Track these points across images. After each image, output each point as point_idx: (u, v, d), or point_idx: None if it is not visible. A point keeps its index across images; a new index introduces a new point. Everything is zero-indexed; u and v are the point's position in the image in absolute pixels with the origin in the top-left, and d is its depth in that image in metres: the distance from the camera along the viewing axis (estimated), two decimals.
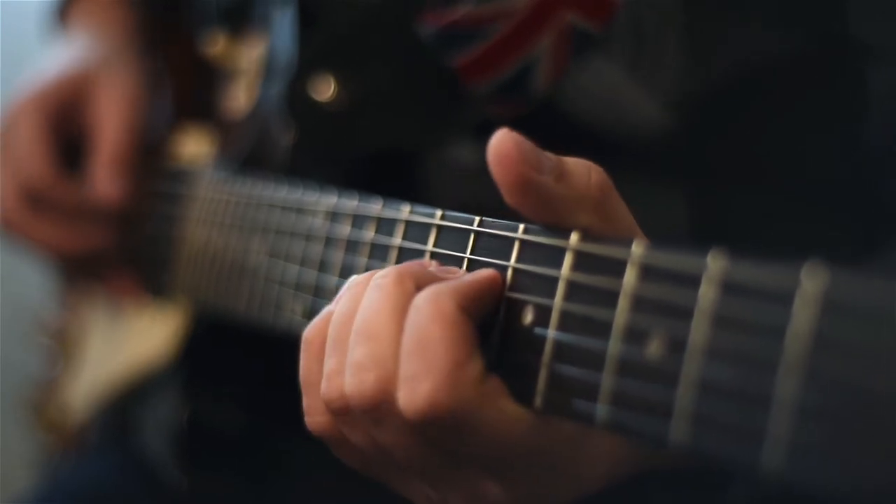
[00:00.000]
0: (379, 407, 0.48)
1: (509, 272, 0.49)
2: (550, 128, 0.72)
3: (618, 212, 0.49)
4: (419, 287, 0.49)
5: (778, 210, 0.69)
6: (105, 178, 0.93)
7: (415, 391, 0.46)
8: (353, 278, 0.54)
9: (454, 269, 0.52)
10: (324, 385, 0.51)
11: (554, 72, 0.70)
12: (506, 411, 0.47)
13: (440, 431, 0.47)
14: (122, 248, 0.97)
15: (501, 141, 0.47)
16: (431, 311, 0.47)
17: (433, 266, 0.52)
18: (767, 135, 0.71)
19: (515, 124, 0.71)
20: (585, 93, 0.71)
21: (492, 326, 0.49)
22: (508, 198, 0.47)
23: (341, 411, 0.51)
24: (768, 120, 0.71)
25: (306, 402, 0.54)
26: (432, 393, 0.46)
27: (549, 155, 0.48)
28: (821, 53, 0.68)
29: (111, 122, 0.94)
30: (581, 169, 0.48)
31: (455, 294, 0.47)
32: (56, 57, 1.01)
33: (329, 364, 0.52)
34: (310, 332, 0.54)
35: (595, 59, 0.70)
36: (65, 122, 0.96)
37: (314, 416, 0.53)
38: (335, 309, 0.52)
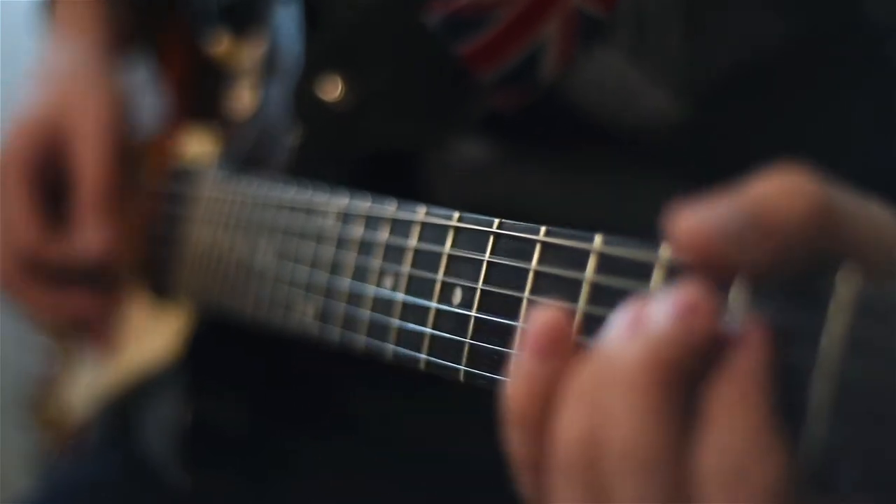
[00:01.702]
0: None
1: (530, 276, 0.49)
2: (557, 116, 0.72)
3: (858, 215, 0.38)
4: (691, 375, 0.38)
5: None
6: (89, 225, 0.92)
7: None
8: (583, 376, 0.40)
9: (707, 317, 0.38)
10: None
11: (561, 58, 0.69)
12: None
13: None
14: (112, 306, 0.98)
15: (681, 245, 0.38)
16: (742, 428, 0.36)
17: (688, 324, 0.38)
18: (775, 124, 0.71)
19: (523, 113, 0.72)
20: (592, 80, 0.70)
21: (514, 329, 0.49)
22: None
23: None
24: (777, 108, 0.71)
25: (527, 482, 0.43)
26: None
27: (733, 210, 0.37)
28: (832, 37, 0.68)
29: (88, 163, 0.92)
30: (783, 197, 0.37)
31: (762, 391, 0.36)
32: (32, 83, 0.99)
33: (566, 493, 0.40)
34: (516, 399, 0.42)
35: (602, 46, 0.70)
36: (46, 170, 0.94)
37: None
38: (565, 430, 0.40)
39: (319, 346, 0.66)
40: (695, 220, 0.37)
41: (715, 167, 0.72)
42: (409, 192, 0.63)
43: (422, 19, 0.71)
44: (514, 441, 0.43)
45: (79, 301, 0.97)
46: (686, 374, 0.37)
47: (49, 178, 0.95)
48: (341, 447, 0.89)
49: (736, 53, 0.69)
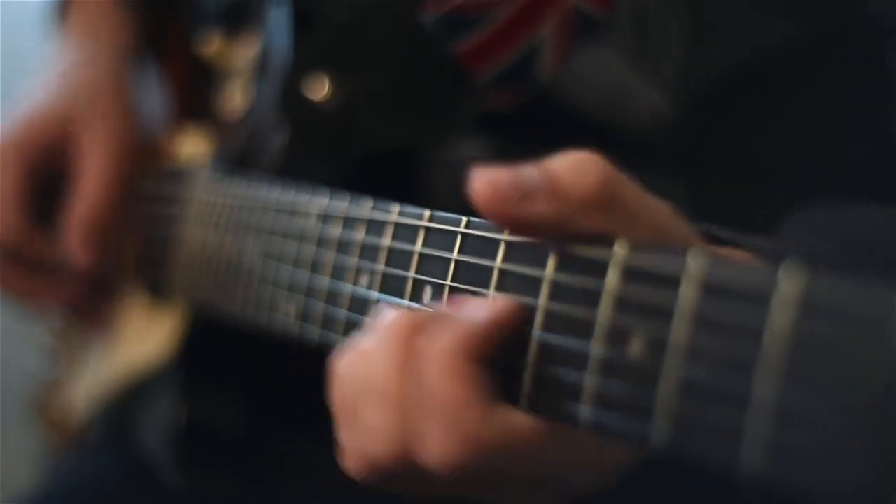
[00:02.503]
0: (405, 469, 0.47)
1: (495, 273, 0.49)
2: (552, 116, 0.72)
3: (638, 202, 0.45)
4: (425, 333, 0.47)
5: (783, 203, 0.69)
6: (77, 242, 0.91)
7: (440, 455, 0.45)
8: (368, 332, 0.51)
9: (467, 301, 0.49)
10: (348, 452, 0.51)
11: (557, 57, 0.69)
12: (519, 434, 0.46)
13: (474, 475, 0.46)
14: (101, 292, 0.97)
15: (478, 187, 0.45)
16: (442, 369, 0.45)
17: (443, 308, 0.50)
18: (774, 125, 0.70)
19: (517, 113, 0.72)
20: (588, 80, 0.70)
21: None
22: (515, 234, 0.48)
23: (368, 476, 0.50)
24: (775, 109, 0.70)
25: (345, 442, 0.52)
26: (458, 456, 0.45)
27: (532, 172, 0.45)
28: (831, 39, 0.67)
29: (92, 179, 0.91)
30: (576, 171, 0.44)
31: (465, 345, 0.46)
32: (43, 80, 0.98)
33: (349, 433, 0.51)
34: (344, 367, 0.51)
35: (598, 45, 0.69)
36: (44, 164, 0.94)
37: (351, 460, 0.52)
38: (349, 371, 0.50)
39: (314, 347, 0.66)
40: (493, 174, 0.45)
41: (712, 167, 0.72)
42: (404, 191, 0.63)
43: (418, 17, 0.70)
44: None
45: (60, 289, 0.96)
46: (417, 334, 0.47)
47: (46, 174, 0.94)
48: (336, 450, 0.89)
49: (735, 53, 0.68)
